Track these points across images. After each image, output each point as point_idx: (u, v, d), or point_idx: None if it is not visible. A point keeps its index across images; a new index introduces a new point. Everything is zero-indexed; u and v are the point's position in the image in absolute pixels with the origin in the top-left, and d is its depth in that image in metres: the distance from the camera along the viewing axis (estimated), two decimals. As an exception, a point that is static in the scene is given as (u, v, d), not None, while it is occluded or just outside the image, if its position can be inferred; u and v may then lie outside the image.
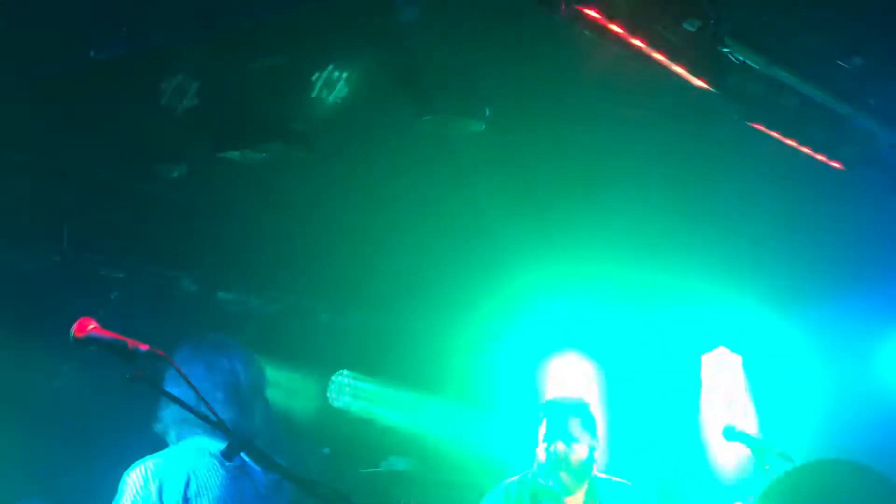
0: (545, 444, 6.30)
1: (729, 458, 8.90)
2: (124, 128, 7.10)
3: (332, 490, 3.62)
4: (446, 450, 9.94)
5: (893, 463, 4.93)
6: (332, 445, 9.70)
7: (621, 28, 5.08)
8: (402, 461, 9.50)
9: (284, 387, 9.12)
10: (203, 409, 3.87)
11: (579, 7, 4.97)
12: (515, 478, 6.50)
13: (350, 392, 10.31)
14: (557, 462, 6.25)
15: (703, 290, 9.16)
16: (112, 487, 4.37)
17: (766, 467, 6.08)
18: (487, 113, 6.59)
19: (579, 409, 6.45)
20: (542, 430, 6.36)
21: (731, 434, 6.41)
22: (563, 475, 6.26)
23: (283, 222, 8.93)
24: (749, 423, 6.39)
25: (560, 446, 6.26)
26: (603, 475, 6.49)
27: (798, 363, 9.18)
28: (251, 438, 3.80)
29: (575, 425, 6.32)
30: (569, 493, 6.31)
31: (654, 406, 10.00)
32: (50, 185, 7.61)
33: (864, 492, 2.81)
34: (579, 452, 6.29)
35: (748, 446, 6.30)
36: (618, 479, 6.54)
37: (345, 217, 8.78)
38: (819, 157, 6.45)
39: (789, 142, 6.24)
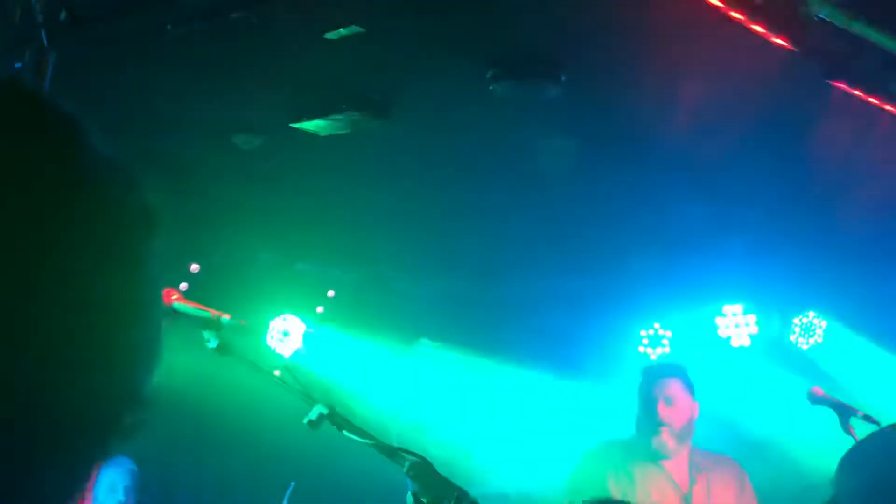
0: (646, 405, 6.29)
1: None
2: (203, 98, 7.15)
3: (416, 456, 3.64)
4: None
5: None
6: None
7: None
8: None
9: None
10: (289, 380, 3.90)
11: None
12: (617, 439, 6.51)
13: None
14: (658, 422, 6.23)
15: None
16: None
17: (852, 430, 6.03)
18: (563, 78, 6.56)
19: (679, 372, 6.45)
20: (643, 392, 6.36)
21: (814, 398, 6.35)
22: (665, 436, 6.23)
23: (358, 194, 8.97)
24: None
25: (661, 406, 6.24)
26: (702, 448, 6.47)
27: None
28: (335, 405, 3.80)
29: (676, 387, 6.32)
30: (668, 456, 6.29)
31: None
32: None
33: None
34: (680, 414, 6.27)
35: (833, 409, 6.24)
36: (717, 452, 6.52)
37: (422, 188, 8.80)
38: (902, 114, 6.34)
39: (872, 99, 6.13)
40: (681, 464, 6.31)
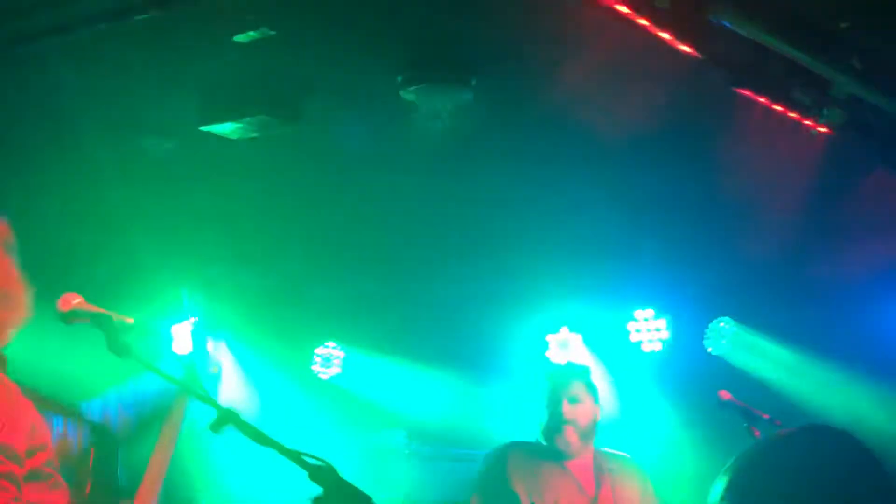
0: (551, 405, 6.33)
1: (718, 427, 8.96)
2: (111, 100, 7.08)
3: (319, 460, 3.62)
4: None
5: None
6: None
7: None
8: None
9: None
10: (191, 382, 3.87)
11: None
12: (524, 439, 6.53)
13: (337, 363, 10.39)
14: (563, 420, 6.27)
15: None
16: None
17: (757, 433, 6.10)
18: (474, 82, 6.58)
19: (583, 373, 6.49)
20: (548, 393, 6.40)
21: (722, 402, 6.43)
22: (568, 435, 6.26)
23: (273, 197, 8.94)
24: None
25: (566, 405, 6.28)
26: (605, 449, 6.51)
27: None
28: (237, 411, 3.78)
29: (579, 388, 6.36)
30: (572, 456, 6.32)
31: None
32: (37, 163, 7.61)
33: (839, 458, 2.79)
34: (584, 414, 6.31)
35: (739, 413, 6.32)
36: (619, 452, 6.56)
37: (333, 191, 8.79)
38: (806, 122, 6.43)
39: (777, 107, 6.22)
40: (585, 465, 6.34)
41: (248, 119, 7.09)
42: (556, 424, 6.28)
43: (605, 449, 6.49)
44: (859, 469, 2.73)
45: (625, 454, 6.54)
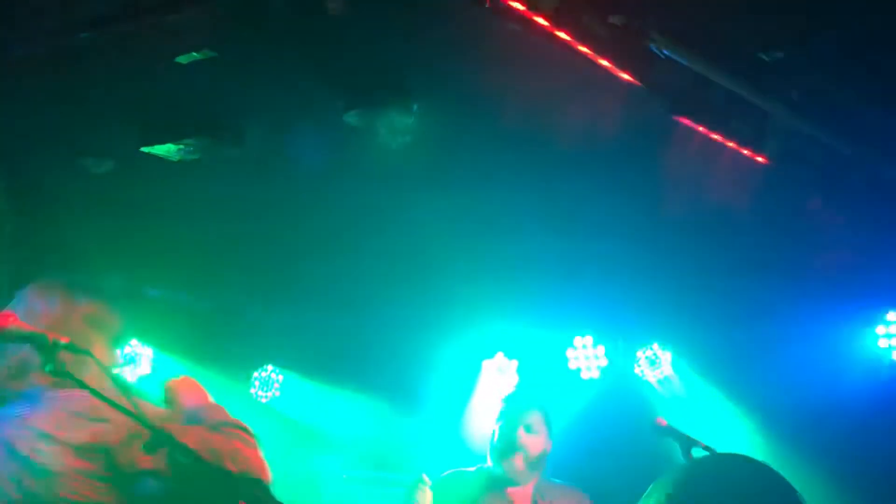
0: (505, 431, 6.34)
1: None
2: (49, 120, 7.03)
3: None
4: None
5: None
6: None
7: (546, 21, 5.09)
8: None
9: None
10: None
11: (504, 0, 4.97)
12: (471, 468, 6.53)
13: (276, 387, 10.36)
14: (515, 447, 6.28)
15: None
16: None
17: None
18: (415, 108, 6.60)
19: (542, 405, 6.51)
20: (504, 418, 6.41)
21: (658, 429, 6.45)
22: (518, 462, 6.28)
23: (212, 221, 8.90)
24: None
25: (521, 432, 6.31)
26: (551, 479, 6.53)
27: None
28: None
29: (537, 418, 6.39)
30: (517, 482, 6.33)
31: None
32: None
33: (753, 486, 2.86)
34: (537, 445, 6.33)
35: (675, 440, 6.35)
36: (564, 483, 6.57)
37: (275, 215, 8.76)
38: (744, 151, 6.49)
39: (715, 136, 6.29)
40: (526, 493, 6.37)
41: (188, 141, 7.06)
42: (507, 449, 6.31)
43: (552, 479, 6.51)
44: (776, 496, 2.79)
45: (570, 485, 6.56)
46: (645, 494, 2.89)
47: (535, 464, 6.35)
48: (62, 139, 7.30)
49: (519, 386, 10.25)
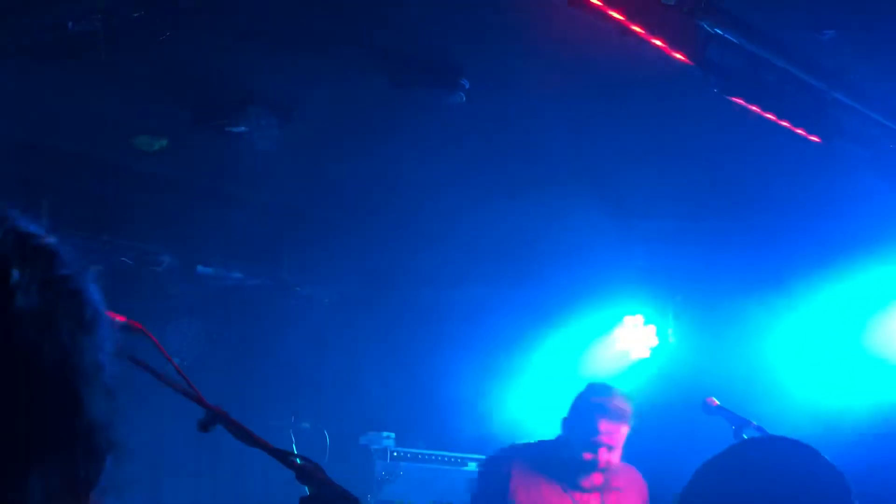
0: (590, 419, 6.13)
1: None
2: (105, 101, 7.09)
3: (306, 460, 3.62)
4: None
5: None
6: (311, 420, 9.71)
7: (601, 0, 5.07)
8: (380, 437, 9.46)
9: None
10: (181, 381, 3.86)
11: (558, -22, 4.96)
12: (522, 447, 6.38)
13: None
14: (594, 467, 6.13)
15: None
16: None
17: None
18: (467, 85, 6.60)
19: (631, 420, 6.30)
20: (593, 406, 6.18)
21: (710, 408, 6.43)
22: (596, 479, 6.14)
23: (266, 197, 8.96)
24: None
25: (603, 453, 6.12)
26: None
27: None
28: (226, 411, 3.78)
29: (623, 433, 6.21)
30: (583, 489, 6.20)
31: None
32: (29, 159, 7.60)
33: (803, 470, 2.85)
34: (616, 458, 6.19)
35: (727, 421, 6.32)
36: (624, 465, 6.43)
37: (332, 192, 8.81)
38: (798, 131, 6.44)
39: (769, 115, 6.23)
40: (594, 484, 6.22)
41: (242, 117, 7.13)
42: (591, 440, 6.11)
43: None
44: (821, 481, 2.78)
45: (630, 466, 6.46)
46: (696, 474, 2.88)
47: (609, 476, 6.19)
48: (117, 117, 7.35)
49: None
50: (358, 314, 10.35)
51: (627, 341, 10.32)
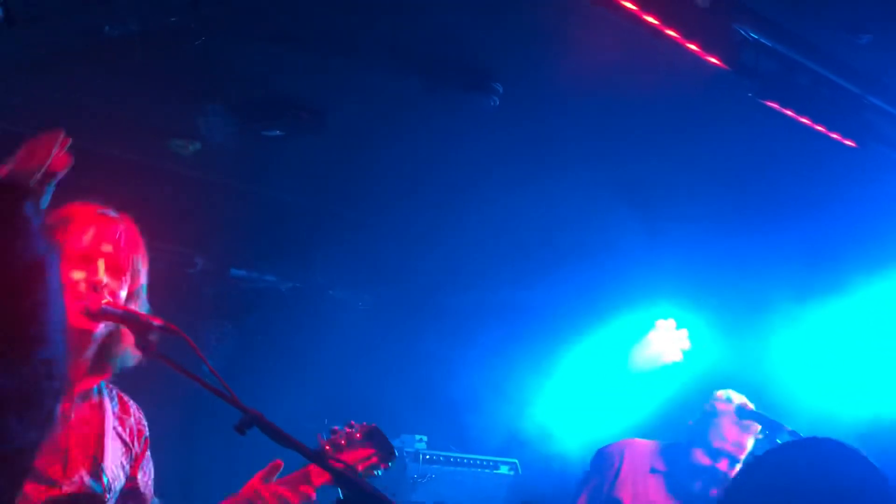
0: (715, 447, 6.23)
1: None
2: (140, 104, 7.13)
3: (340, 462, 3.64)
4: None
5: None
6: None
7: (634, 4, 5.07)
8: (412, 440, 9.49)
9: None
10: (216, 383, 3.88)
11: (592, -17, 4.96)
12: (635, 441, 6.46)
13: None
14: (710, 474, 6.20)
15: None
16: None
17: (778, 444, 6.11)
18: (500, 90, 6.60)
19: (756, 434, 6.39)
20: (722, 430, 6.29)
21: (743, 412, 6.43)
22: (723, 463, 6.21)
23: (299, 200, 8.98)
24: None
25: (724, 462, 6.21)
26: None
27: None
28: (261, 413, 3.80)
29: (748, 445, 6.29)
30: (697, 468, 6.26)
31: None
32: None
33: (842, 471, 2.83)
34: (744, 445, 6.26)
35: (760, 424, 6.32)
36: None
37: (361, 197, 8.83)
38: (833, 135, 6.41)
39: (803, 120, 6.21)
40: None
41: (275, 121, 7.15)
42: (713, 442, 6.18)
43: None
44: (866, 483, 2.77)
45: None
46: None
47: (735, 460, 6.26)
48: (151, 120, 7.39)
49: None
50: (391, 317, 10.36)
51: (660, 345, 10.28)
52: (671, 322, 10.25)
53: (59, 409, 1.30)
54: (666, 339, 10.23)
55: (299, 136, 7.31)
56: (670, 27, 5.23)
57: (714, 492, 6.17)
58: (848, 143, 6.50)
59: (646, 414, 9.78)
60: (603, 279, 9.63)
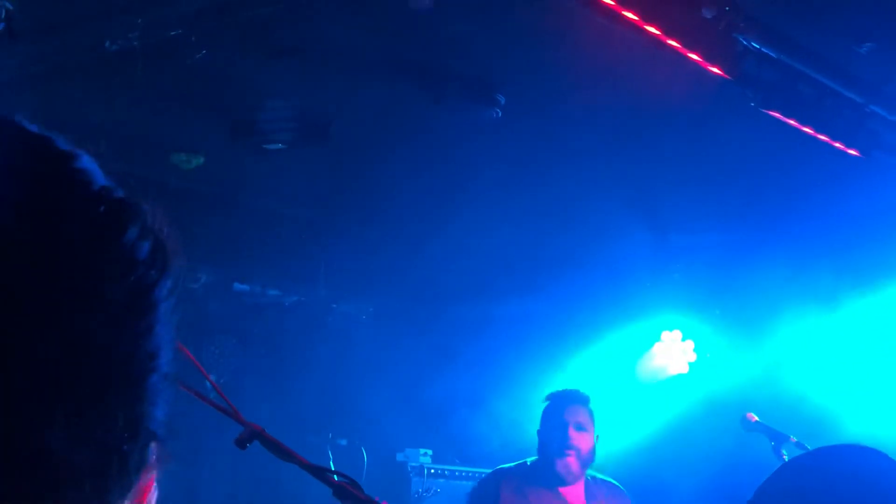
0: (555, 430, 6.31)
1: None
2: (143, 119, 7.12)
3: (343, 477, 3.61)
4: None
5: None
6: (348, 437, 9.73)
7: (636, 15, 5.06)
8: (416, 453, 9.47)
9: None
10: (217, 398, 3.86)
11: (593, -7, 4.95)
12: (511, 465, 6.51)
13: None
14: (568, 446, 6.25)
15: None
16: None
17: (784, 456, 6.07)
18: (503, 101, 6.60)
19: (587, 401, 6.47)
20: (552, 416, 6.39)
21: (748, 424, 6.41)
22: (571, 460, 6.24)
23: (302, 214, 8.97)
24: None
25: (572, 431, 6.27)
26: (596, 475, 6.51)
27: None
28: (262, 427, 3.78)
29: (584, 414, 6.35)
30: (567, 482, 6.30)
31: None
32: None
33: (872, 475, 2.80)
34: (588, 441, 6.30)
35: (766, 436, 6.29)
36: (609, 479, 6.56)
37: (362, 210, 8.82)
38: (837, 144, 6.40)
39: (806, 129, 6.20)
40: (578, 492, 6.33)
41: (279, 134, 7.14)
42: (559, 449, 6.27)
43: (596, 475, 6.49)
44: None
45: (613, 481, 6.54)
46: (771, 477, 2.85)
47: (586, 461, 6.32)
48: (155, 134, 7.39)
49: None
50: (395, 330, 10.35)
51: (665, 357, 10.27)
52: (677, 334, 10.24)
53: None
54: (672, 351, 10.23)
55: (301, 150, 7.30)
56: (672, 38, 5.22)
57: (574, 467, 6.27)
58: (852, 152, 6.48)
59: (653, 427, 9.77)
60: (609, 290, 9.62)
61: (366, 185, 8.28)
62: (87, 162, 1.11)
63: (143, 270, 1.07)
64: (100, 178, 1.12)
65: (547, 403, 6.52)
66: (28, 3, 5.52)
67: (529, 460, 6.45)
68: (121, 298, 1.04)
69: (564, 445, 6.26)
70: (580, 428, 6.30)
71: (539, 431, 6.43)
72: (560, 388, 6.65)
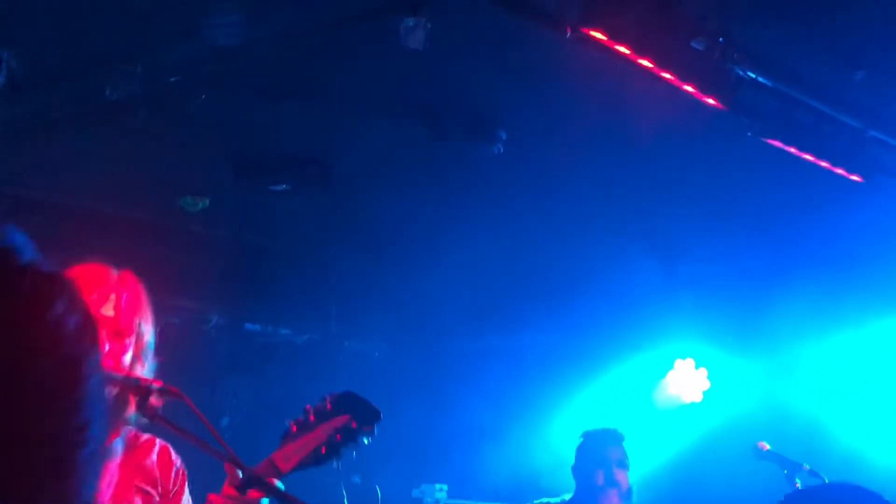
0: (599, 467, 6.38)
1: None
2: (147, 164, 7.16)
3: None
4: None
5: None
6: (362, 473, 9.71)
7: (628, 49, 5.07)
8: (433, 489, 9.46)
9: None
10: (216, 444, 3.87)
11: (585, 29, 4.96)
12: (556, 500, 6.57)
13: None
14: (612, 483, 6.32)
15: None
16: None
17: (798, 485, 6.06)
18: (504, 136, 6.62)
19: (623, 439, 6.57)
20: (593, 454, 6.45)
21: (760, 453, 6.39)
22: (614, 498, 6.32)
23: (310, 253, 9.00)
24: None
25: (616, 469, 6.37)
26: None
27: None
28: (263, 475, 3.79)
29: (623, 452, 6.46)
30: None
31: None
32: (73, 223, 7.68)
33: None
34: (627, 478, 6.40)
35: (779, 465, 6.27)
36: None
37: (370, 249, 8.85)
38: (838, 170, 6.39)
39: (807, 156, 6.20)
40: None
41: (281, 177, 7.17)
42: (603, 486, 6.33)
43: None
44: None
45: None
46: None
47: (625, 497, 6.38)
48: (159, 179, 7.43)
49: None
50: (407, 365, 10.36)
51: (679, 385, 10.24)
52: (690, 362, 10.21)
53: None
54: (685, 379, 10.20)
55: (307, 190, 7.33)
56: (665, 70, 5.22)
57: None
58: (854, 178, 6.47)
59: (666, 456, 9.74)
60: (620, 320, 9.61)
61: (371, 222, 8.31)
62: (15, 237, 1.11)
63: (69, 344, 1.07)
64: (28, 252, 1.12)
65: (583, 440, 6.59)
66: (28, 55, 5.57)
67: (568, 496, 6.53)
68: (48, 374, 1.04)
69: (609, 483, 6.33)
70: (621, 465, 6.41)
71: (575, 468, 6.55)
72: (597, 427, 6.71)
